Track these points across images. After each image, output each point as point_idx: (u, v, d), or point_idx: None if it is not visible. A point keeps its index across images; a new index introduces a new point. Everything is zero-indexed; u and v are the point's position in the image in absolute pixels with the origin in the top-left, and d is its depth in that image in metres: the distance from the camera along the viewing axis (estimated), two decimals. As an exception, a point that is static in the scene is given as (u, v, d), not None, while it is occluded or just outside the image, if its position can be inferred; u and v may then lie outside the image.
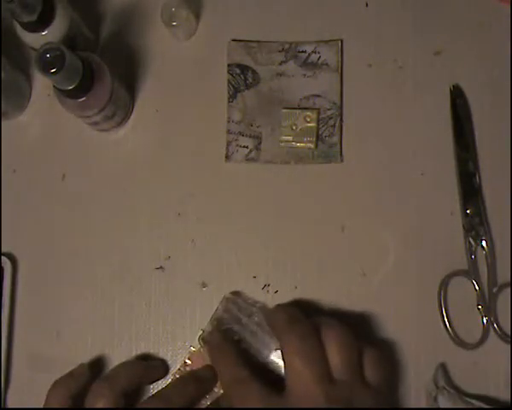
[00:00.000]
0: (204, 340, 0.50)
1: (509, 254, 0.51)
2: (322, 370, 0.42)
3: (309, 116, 0.53)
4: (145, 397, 0.50)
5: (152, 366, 0.51)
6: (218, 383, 0.48)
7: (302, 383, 0.42)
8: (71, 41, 0.50)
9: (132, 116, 0.55)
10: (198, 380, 0.49)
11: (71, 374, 0.49)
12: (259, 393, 0.43)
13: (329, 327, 0.44)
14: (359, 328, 0.51)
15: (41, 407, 0.47)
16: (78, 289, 0.53)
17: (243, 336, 0.49)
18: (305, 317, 0.46)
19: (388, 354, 0.46)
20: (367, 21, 0.55)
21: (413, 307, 0.51)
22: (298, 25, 0.55)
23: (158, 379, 0.51)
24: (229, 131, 0.54)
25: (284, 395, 0.43)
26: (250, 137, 0.54)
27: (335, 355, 0.43)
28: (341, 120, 0.54)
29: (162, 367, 0.51)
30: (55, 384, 0.48)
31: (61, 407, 0.46)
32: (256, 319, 0.49)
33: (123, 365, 0.50)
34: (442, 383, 0.48)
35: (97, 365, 0.52)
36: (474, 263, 0.51)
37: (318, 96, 0.54)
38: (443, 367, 0.49)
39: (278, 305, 0.50)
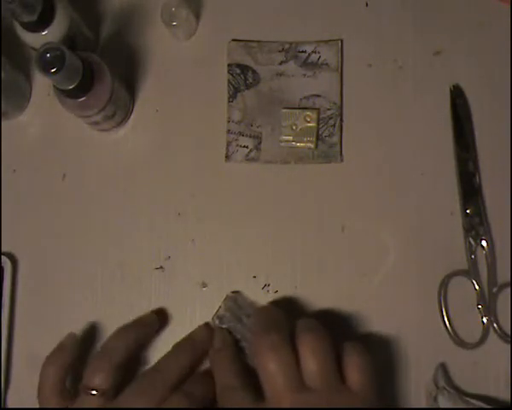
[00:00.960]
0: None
1: (509, 254, 0.51)
2: (293, 378, 0.42)
3: (309, 116, 0.53)
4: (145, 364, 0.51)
5: (145, 324, 0.51)
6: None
7: (275, 392, 0.42)
8: (71, 41, 0.50)
9: (132, 116, 0.55)
10: (194, 344, 0.49)
11: (61, 347, 0.49)
12: (243, 401, 0.44)
13: (304, 332, 0.43)
14: (359, 328, 0.51)
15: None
16: (78, 289, 0.53)
17: (243, 335, 0.49)
18: (283, 321, 0.46)
19: (371, 357, 0.44)
20: (367, 21, 0.55)
21: (413, 307, 0.51)
22: (298, 25, 0.55)
23: (154, 334, 0.51)
24: (229, 131, 0.54)
25: (264, 404, 0.43)
26: (250, 137, 0.54)
27: (310, 362, 0.42)
28: (341, 120, 0.54)
29: (156, 321, 0.51)
30: (47, 361, 0.48)
31: (56, 384, 0.47)
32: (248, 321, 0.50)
33: (118, 334, 0.49)
34: (442, 383, 0.48)
35: (90, 332, 0.52)
36: (474, 263, 0.51)
37: (318, 96, 0.54)
38: (443, 367, 0.49)
39: (259, 308, 0.50)
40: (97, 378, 0.46)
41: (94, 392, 0.45)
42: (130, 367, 0.49)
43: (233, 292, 0.51)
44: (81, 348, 0.49)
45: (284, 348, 0.43)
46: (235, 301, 0.51)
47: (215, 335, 0.49)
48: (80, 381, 0.47)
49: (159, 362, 0.48)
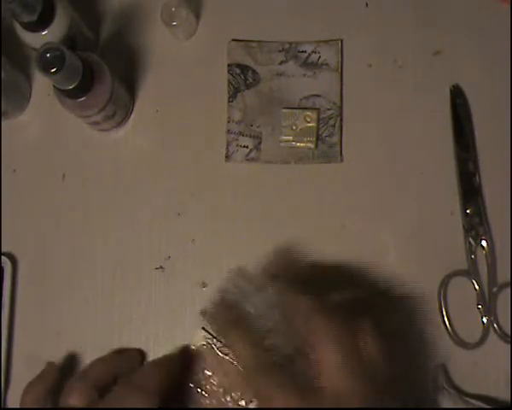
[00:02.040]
0: (208, 314, 0.48)
1: (509, 254, 0.51)
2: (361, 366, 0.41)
3: (309, 116, 0.53)
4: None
5: (127, 356, 0.51)
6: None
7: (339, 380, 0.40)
8: (71, 41, 0.50)
9: (132, 116, 0.56)
10: (169, 362, 0.48)
11: (40, 376, 0.49)
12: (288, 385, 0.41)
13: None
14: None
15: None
16: (78, 289, 0.53)
17: (249, 311, 0.45)
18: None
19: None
20: (367, 21, 0.55)
21: (413, 306, 0.51)
22: (298, 25, 0.55)
23: (134, 369, 0.50)
24: (229, 131, 0.54)
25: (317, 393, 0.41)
26: (250, 137, 0.54)
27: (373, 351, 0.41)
28: (341, 119, 0.54)
29: (138, 357, 0.51)
30: (25, 389, 0.48)
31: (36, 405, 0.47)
32: (265, 295, 0.45)
33: (97, 360, 0.49)
34: (442, 383, 0.48)
35: (71, 362, 0.52)
36: (474, 263, 0.51)
37: (318, 96, 0.54)
38: (443, 367, 0.49)
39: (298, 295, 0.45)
40: (73, 397, 0.45)
41: None
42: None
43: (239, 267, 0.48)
44: (61, 375, 0.49)
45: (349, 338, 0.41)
46: (243, 275, 0.47)
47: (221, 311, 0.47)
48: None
49: (137, 376, 0.47)
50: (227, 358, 0.49)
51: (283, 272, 0.49)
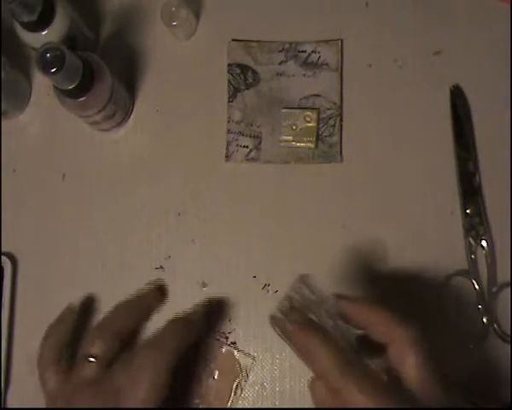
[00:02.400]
0: (276, 320, 0.43)
1: (509, 254, 0.51)
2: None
3: (309, 116, 0.53)
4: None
5: (148, 298, 0.51)
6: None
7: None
8: (71, 41, 0.50)
9: (132, 116, 0.56)
10: (189, 322, 0.49)
11: (60, 319, 0.50)
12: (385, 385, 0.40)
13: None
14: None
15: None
16: (78, 290, 0.53)
17: (321, 317, 0.43)
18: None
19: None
20: (367, 21, 0.55)
21: (413, 306, 0.51)
22: (298, 25, 0.55)
23: (156, 307, 0.51)
24: (229, 131, 0.54)
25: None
26: (250, 136, 0.54)
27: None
28: (341, 119, 0.54)
29: (159, 296, 0.52)
30: (46, 334, 0.49)
31: (54, 353, 0.47)
32: (328, 307, 0.43)
33: (118, 305, 0.50)
34: None
35: (89, 305, 0.52)
36: (474, 263, 0.51)
37: (318, 96, 0.54)
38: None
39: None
40: (95, 346, 0.46)
41: (91, 359, 0.46)
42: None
43: (302, 276, 0.46)
44: (80, 319, 0.50)
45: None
46: (307, 283, 0.45)
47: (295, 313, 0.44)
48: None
49: (155, 337, 0.47)
50: None
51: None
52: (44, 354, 0.48)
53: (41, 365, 0.48)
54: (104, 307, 0.52)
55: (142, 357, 0.45)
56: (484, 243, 0.51)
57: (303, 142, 0.53)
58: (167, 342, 0.46)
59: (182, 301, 0.52)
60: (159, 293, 0.52)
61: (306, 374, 0.42)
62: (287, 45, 0.55)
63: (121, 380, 0.44)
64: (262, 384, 0.51)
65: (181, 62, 0.56)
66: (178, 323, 0.48)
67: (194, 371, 0.51)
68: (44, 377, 0.47)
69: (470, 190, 0.52)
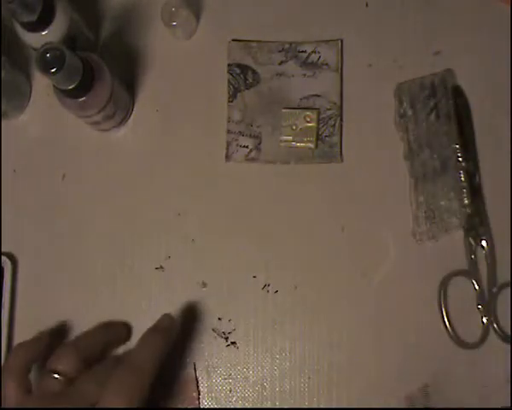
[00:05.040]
0: None
1: (509, 254, 0.51)
2: None
3: (309, 116, 0.53)
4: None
5: (114, 329, 0.52)
6: None
7: None
8: (71, 41, 0.50)
9: (132, 116, 0.56)
10: (160, 334, 0.47)
11: (31, 340, 0.49)
12: None
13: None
14: (359, 328, 0.51)
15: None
16: (78, 290, 0.53)
17: None
18: None
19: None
20: (367, 21, 0.55)
21: (413, 307, 0.51)
22: (298, 25, 0.55)
23: (122, 343, 0.52)
24: (229, 131, 0.54)
25: None
26: (250, 136, 0.54)
27: None
28: (341, 119, 0.54)
29: (124, 330, 0.52)
30: (14, 348, 0.49)
31: (19, 370, 0.47)
32: None
33: (85, 332, 0.50)
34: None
35: (61, 332, 0.52)
36: (474, 263, 0.51)
37: (318, 96, 0.54)
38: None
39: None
40: (61, 362, 0.46)
41: (56, 376, 0.45)
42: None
43: None
44: (50, 343, 0.50)
45: None
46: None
47: None
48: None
49: (133, 356, 0.46)
50: None
51: None
52: (9, 368, 0.47)
53: (4, 377, 0.47)
54: (106, 307, 0.53)
55: (118, 383, 0.43)
56: (484, 243, 0.51)
57: (303, 142, 0.53)
58: (145, 363, 0.45)
59: (182, 301, 0.52)
60: (125, 329, 0.52)
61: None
62: (287, 45, 0.55)
63: (91, 394, 0.44)
64: (262, 384, 0.51)
65: (181, 62, 0.56)
66: (154, 336, 0.47)
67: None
68: (5, 390, 0.46)
69: (470, 190, 0.52)
